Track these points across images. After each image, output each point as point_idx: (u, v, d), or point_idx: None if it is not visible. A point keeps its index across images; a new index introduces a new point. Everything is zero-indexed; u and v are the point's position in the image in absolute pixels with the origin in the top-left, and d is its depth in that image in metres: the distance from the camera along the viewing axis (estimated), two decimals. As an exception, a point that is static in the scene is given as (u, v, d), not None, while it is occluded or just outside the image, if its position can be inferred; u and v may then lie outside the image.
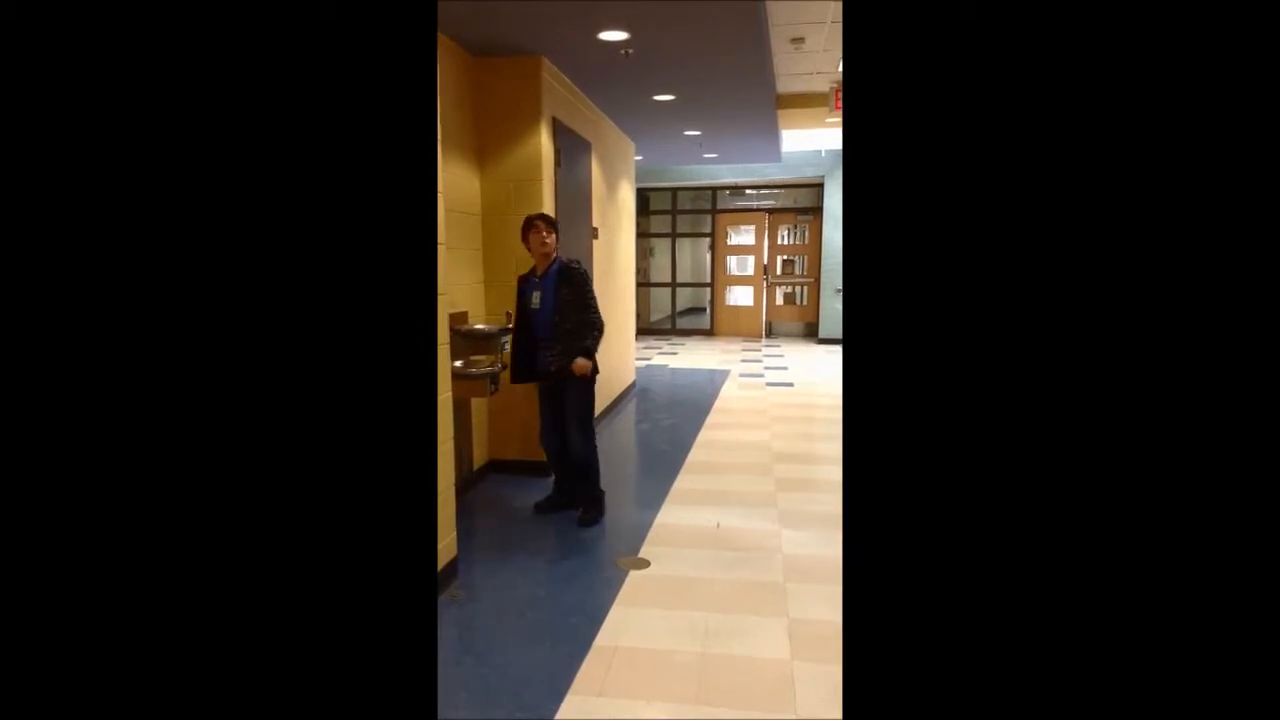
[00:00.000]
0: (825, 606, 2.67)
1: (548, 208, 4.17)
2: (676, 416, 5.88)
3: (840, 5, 4.28)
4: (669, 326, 11.56)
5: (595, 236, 5.32)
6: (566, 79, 4.51)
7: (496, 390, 3.77)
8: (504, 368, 3.75)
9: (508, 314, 3.99)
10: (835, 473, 4.35)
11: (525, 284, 3.51)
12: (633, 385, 6.92)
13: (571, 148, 4.65)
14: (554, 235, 3.43)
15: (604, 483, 3.67)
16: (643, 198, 10.56)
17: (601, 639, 2.46)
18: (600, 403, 5.47)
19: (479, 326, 3.96)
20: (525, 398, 4.27)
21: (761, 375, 7.76)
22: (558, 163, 4.35)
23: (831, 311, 10.26)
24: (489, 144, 4.13)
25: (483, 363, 3.73)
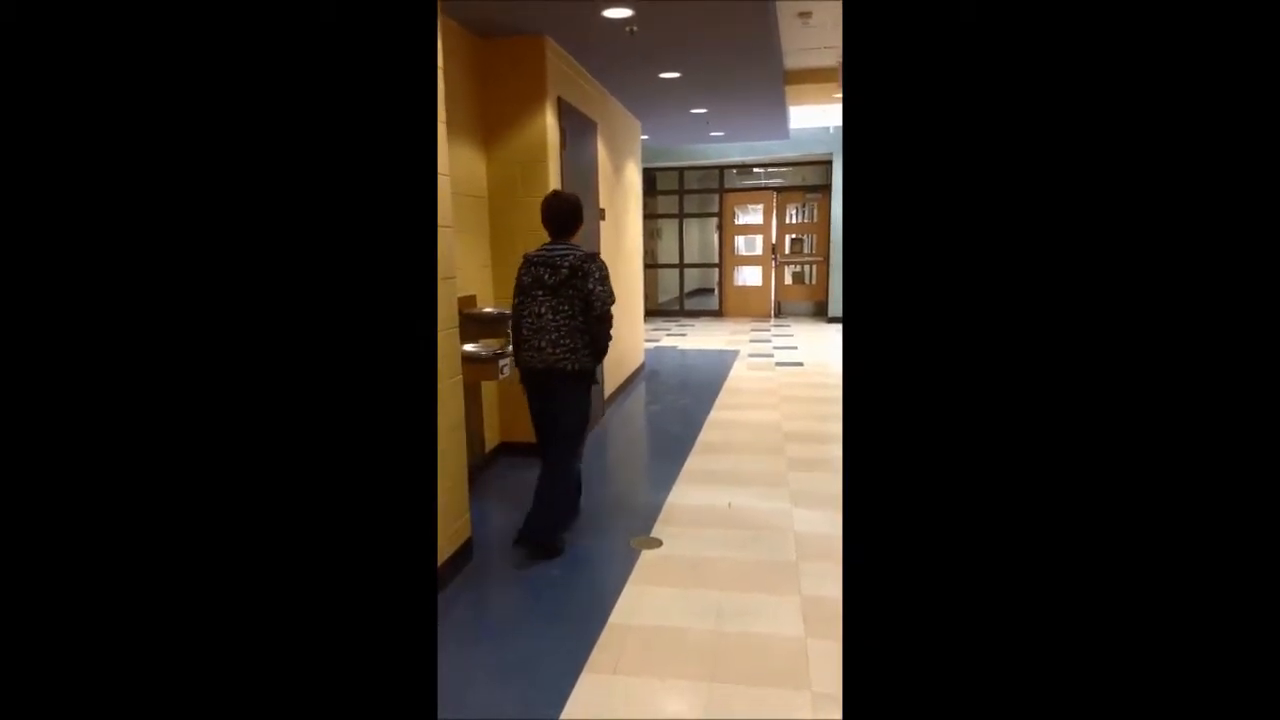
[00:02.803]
0: (838, 585, 2.67)
1: (554, 189, 4.15)
2: (686, 397, 5.88)
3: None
4: (677, 308, 11.53)
5: (602, 218, 5.30)
6: (571, 58, 4.47)
7: (507, 373, 3.77)
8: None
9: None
10: (846, 451, 4.33)
11: None
12: (642, 367, 6.92)
13: (577, 128, 4.62)
14: None
15: (610, 467, 3.67)
16: (649, 178, 10.49)
17: (615, 618, 2.48)
18: (610, 385, 5.48)
19: (488, 309, 3.96)
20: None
21: (771, 355, 7.74)
22: (563, 143, 4.32)
23: (841, 291, 10.20)
24: (494, 126, 4.10)
25: (493, 346, 3.73)
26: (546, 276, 2.88)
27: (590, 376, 2.96)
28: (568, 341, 2.87)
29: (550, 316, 2.87)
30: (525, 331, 2.93)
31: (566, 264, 2.85)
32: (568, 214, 2.96)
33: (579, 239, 3.04)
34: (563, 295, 2.86)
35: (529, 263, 2.94)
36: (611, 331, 2.98)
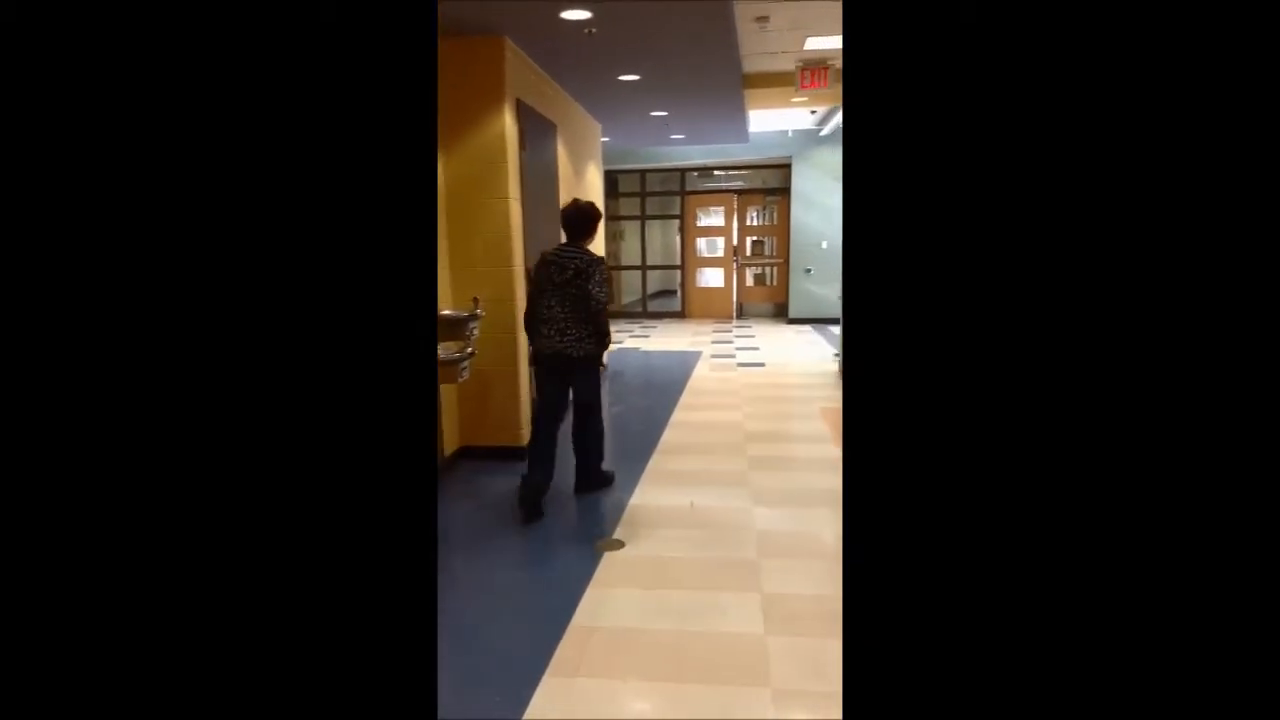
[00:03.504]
0: (798, 581, 2.71)
1: (513, 192, 4.13)
2: (649, 398, 5.89)
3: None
4: (640, 310, 11.55)
5: (563, 220, 5.29)
6: (530, 60, 4.45)
7: (466, 376, 3.74)
8: (473, 353, 3.73)
9: (475, 299, 3.95)
10: (806, 451, 4.39)
11: None
12: (605, 368, 6.91)
13: (537, 130, 4.60)
14: None
15: (573, 468, 3.68)
16: (611, 180, 10.49)
17: (578, 620, 2.47)
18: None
19: (446, 312, 3.92)
20: (499, 383, 4.24)
21: (733, 356, 7.80)
22: (523, 145, 4.29)
23: (801, 292, 10.32)
24: (452, 127, 4.06)
25: (452, 349, 3.70)
26: (555, 275, 3.32)
27: (594, 360, 3.42)
28: (572, 331, 3.31)
29: (558, 310, 3.32)
30: (537, 321, 3.37)
31: (572, 266, 3.30)
32: (581, 220, 3.45)
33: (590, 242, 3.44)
34: (567, 292, 3.30)
35: (543, 261, 3.38)
36: (610, 325, 3.45)
